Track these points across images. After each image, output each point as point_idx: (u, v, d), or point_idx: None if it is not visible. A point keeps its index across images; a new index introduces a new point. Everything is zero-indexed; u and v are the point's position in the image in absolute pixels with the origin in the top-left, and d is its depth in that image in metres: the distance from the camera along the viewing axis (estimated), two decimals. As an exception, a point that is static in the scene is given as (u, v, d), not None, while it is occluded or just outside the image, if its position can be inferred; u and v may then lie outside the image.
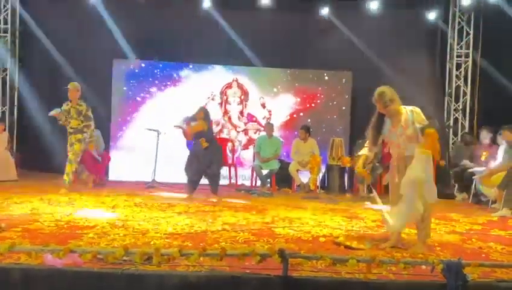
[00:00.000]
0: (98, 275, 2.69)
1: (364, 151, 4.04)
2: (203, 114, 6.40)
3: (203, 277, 2.72)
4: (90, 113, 6.57)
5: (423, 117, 3.72)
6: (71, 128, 6.48)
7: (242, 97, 9.04)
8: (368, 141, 4.01)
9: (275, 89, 9.02)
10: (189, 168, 6.31)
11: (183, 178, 8.37)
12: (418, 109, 3.77)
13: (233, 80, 9.02)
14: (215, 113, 8.73)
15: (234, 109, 9.06)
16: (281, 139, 8.53)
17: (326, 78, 9.07)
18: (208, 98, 8.95)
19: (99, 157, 7.67)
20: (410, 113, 3.72)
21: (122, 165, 8.57)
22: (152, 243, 3.58)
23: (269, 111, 9.05)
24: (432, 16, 9.02)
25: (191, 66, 8.96)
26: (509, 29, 8.06)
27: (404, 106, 3.79)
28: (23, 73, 8.98)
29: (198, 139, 6.26)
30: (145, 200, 5.91)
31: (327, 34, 8.91)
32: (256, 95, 9.05)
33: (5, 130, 8.10)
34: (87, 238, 3.64)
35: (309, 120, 8.82)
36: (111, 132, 8.69)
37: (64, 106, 6.57)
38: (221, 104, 8.98)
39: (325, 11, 8.88)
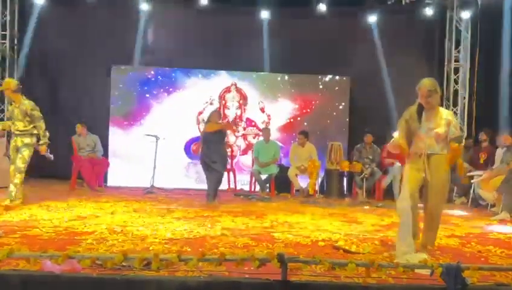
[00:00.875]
0: (96, 280, 2.68)
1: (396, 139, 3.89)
2: (217, 116, 6.75)
3: (202, 282, 2.71)
4: (37, 112, 5.63)
5: (457, 125, 3.75)
6: (17, 130, 5.55)
7: (241, 101, 9.03)
8: (399, 133, 3.82)
9: (274, 94, 9.03)
10: (208, 180, 6.49)
11: (181, 184, 8.48)
12: (453, 114, 3.79)
13: (232, 84, 9.02)
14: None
15: (233, 113, 9.07)
16: (279, 143, 8.54)
17: (325, 83, 9.09)
18: (206, 102, 8.94)
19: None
20: (449, 115, 3.75)
21: (121, 171, 8.56)
22: (151, 248, 3.58)
23: (268, 115, 9.04)
24: (429, 20, 9.05)
25: (189, 72, 8.97)
26: (506, 33, 8.10)
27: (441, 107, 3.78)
28: (21, 79, 8.97)
29: (208, 144, 6.40)
30: (144, 206, 5.90)
31: (325, 40, 8.94)
32: (255, 99, 9.05)
33: (3, 136, 8.08)
34: (86, 244, 3.63)
35: (307, 124, 8.84)
36: (109, 137, 8.68)
37: (10, 109, 5.81)
38: (219, 108, 8.97)
39: (322, 16, 8.89)
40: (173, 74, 8.97)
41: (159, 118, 8.77)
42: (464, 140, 8.91)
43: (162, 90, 8.89)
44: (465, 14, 9.08)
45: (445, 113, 3.75)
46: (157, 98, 8.87)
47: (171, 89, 8.91)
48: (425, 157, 3.69)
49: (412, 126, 3.69)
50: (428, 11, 8.98)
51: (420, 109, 3.71)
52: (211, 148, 6.39)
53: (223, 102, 9.02)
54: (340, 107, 9.01)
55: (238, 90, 9.05)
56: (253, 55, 8.92)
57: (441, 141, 3.68)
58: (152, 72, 8.92)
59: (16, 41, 8.90)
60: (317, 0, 8.71)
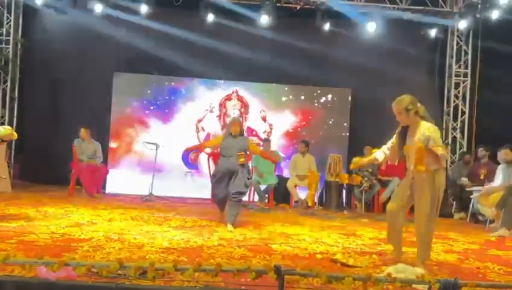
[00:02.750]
0: (92, 288, 2.66)
1: (376, 154, 3.96)
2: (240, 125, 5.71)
3: (198, 292, 2.70)
4: None
5: (438, 138, 3.58)
6: None
7: (242, 110, 8.94)
8: (386, 145, 3.92)
9: (275, 104, 9.04)
10: (218, 185, 5.48)
11: (180, 192, 8.46)
12: (434, 128, 3.62)
13: (233, 92, 8.99)
14: (213, 127, 8.72)
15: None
16: (281, 154, 8.51)
17: (326, 94, 9.11)
18: (206, 110, 8.90)
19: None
20: (428, 130, 3.58)
21: (120, 178, 8.55)
22: (147, 257, 3.56)
23: (270, 125, 9.00)
24: (430, 35, 9.10)
25: (190, 80, 8.99)
26: (507, 49, 8.15)
27: (426, 122, 3.67)
28: (23, 84, 9.02)
29: (228, 156, 5.41)
30: (142, 214, 5.88)
31: (327, 51, 8.98)
32: (256, 108, 9.00)
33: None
34: (82, 251, 3.61)
35: (307, 135, 8.84)
36: (109, 144, 8.69)
37: None
38: (219, 116, 8.94)
39: (325, 28, 8.95)
40: (174, 82, 8.99)
41: (159, 126, 8.77)
42: (447, 151, 8.95)
43: (163, 97, 8.90)
44: (466, 29, 9.13)
45: (424, 129, 3.62)
46: (157, 106, 8.88)
47: (172, 97, 8.93)
48: (412, 172, 3.68)
49: (400, 141, 3.76)
50: (430, 26, 9.02)
51: (403, 130, 3.77)
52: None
53: (224, 110, 8.97)
54: (341, 118, 9.02)
55: (240, 98, 9.00)
56: (255, 65, 8.95)
57: (427, 156, 3.58)
58: (153, 80, 8.95)
59: (19, 46, 8.95)
60: (319, 12, 8.75)
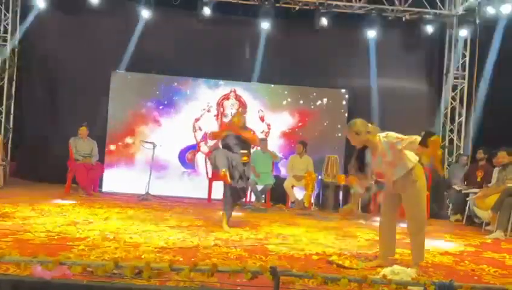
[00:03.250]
0: (87, 288, 2.65)
1: (355, 189, 3.98)
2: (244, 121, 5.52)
3: (193, 292, 2.69)
4: None
5: (397, 135, 3.62)
6: None
7: (240, 109, 8.83)
8: (353, 177, 3.95)
9: (272, 105, 9.03)
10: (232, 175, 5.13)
11: (177, 192, 8.44)
12: (390, 133, 3.66)
13: (231, 91, 8.95)
14: (211, 126, 8.72)
15: (231, 121, 9.02)
16: (278, 154, 8.51)
17: (323, 95, 9.11)
18: (204, 109, 8.86)
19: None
20: (385, 140, 3.62)
21: (117, 177, 8.53)
22: (143, 256, 3.55)
23: (268, 125, 8.98)
24: (428, 38, 9.12)
25: (188, 80, 8.98)
26: (504, 52, 8.18)
27: (379, 134, 3.67)
28: (21, 82, 9.00)
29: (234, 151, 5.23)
30: (138, 213, 5.87)
31: (325, 52, 8.98)
32: (254, 108, 8.97)
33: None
34: (78, 250, 3.60)
35: (304, 136, 8.84)
36: (106, 143, 8.66)
37: None
38: (217, 116, 8.90)
39: (322, 30, 8.93)
40: (172, 82, 8.97)
41: (156, 125, 8.76)
42: (446, 149, 8.98)
43: (160, 97, 8.88)
44: (464, 33, 9.16)
45: (382, 140, 3.63)
46: (155, 105, 8.86)
47: (169, 96, 8.90)
48: (396, 184, 3.72)
49: (360, 165, 3.78)
50: (428, 29, 9.05)
51: (362, 150, 3.78)
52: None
53: (221, 109, 8.92)
54: (338, 119, 9.03)
55: (238, 98, 8.97)
56: (253, 66, 8.95)
57: (398, 163, 3.64)
58: (151, 79, 8.92)
59: (16, 44, 8.92)
60: (318, 14, 8.75)
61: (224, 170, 4.94)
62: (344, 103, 9.07)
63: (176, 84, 8.96)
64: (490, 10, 8.13)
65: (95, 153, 7.95)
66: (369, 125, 3.72)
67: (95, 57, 8.73)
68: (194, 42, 8.85)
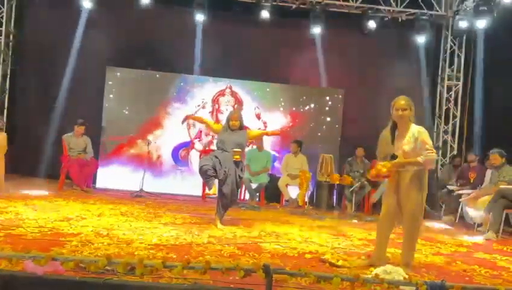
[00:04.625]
0: (79, 284, 2.64)
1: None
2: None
3: (186, 289, 2.69)
4: None
5: (425, 138, 3.65)
6: None
7: (236, 106, 8.80)
8: (379, 151, 3.98)
9: (268, 103, 9.02)
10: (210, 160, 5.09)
11: (171, 189, 8.44)
12: (423, 131, 3.70)
13: (226, 87, 8.89)
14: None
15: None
16: (272, 152, 8.52)
17: (319, 95, 9.13)
18: (198, 105, 8.79)
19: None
20: (416, 131, 3.68)
21: (111, 173, 8.50)
22: (136, 253, 3.54)
23: (264, 122, 8.95)
24: (424, 39, 9.15)
25: (183, 77, 8.95)
26: (499, 54, 8.22)
27: (414, 124, 3.76)
28: (14, 76, 8.94)
29: (223, 151, 5.18)
30: (132, 210, 5.86)
31: (321, 52, 8.99)
32: (250, 105, 8.91)
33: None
34: (71, 246, 3.59)
35: (299, 135, 8.84)
36: (101, 139, 8.63)
37: None
38: (212, 112, 8.85)
39: (319, 29, 8.95)
40: (167, 78, 8.93)
41: (151, 122, 8.72)
42: (435, 153, 9.01)
43: (156, 93, 8.84)
44: (459, 34, 9.19)
45: (414, 130, 3.71)
46: (150, 101, 8.82)
47: (164, 92, 8.87)
48: (399, 175, 3.73)
49: (387, 149, 3.80)
50: (424, 30, 9.07)
51: (393, 128, 3.82)
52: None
53: (216, 106, 8.86)
54: (333, 119, 9.04)
55: (233, 94, 8.91)
56: (248, 63, 8.94)
57: (410, 157, 3.67)
58: (146, 75, 8.88)
59: (11, 38, 8.86)
60: (314, 12, 8.76)
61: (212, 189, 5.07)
62: (340, 102, 9.08)
63: (170, 80, 8.92)
64: (486, 11, 8.16)
65: (90, 150, 7.92)
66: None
67: (90, 52, 8.68)
68: (188, 38, 8.79)
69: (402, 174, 3.73)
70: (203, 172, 5.03)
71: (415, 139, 3.66)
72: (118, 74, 8.80)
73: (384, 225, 3.89)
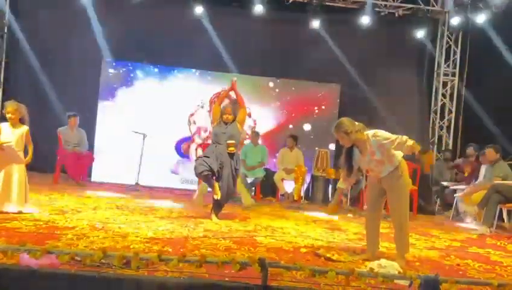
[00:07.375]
0: (74, 277, 2.64)
1: (340, 184, 4.08)
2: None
3: (181, 283, 2.70)
4: None
5: (387, 135, 3.67)
6: None
7: (231, 101, 8.95)
8: (342, 173, 4.03)
9: (262, 99, 9.01)
10: (206, 159, 5.12)
11: (166, 183, 8.44)
12: (379, 132, 3.71)
13: (222, 89, 8.94)
14: (204, 121, 8.75)
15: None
16: (265, 160, 8.53)
17: (315, 89, 9.12)
18: (198, 105, 8.93)
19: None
20: (374, 139, 3.67)
21: (106, 166, 8.48)
22: (131, 247, 3.54)
23: (254, 121, 9.02)
24: (420, 34, 9.16)
25: (180, 71, 8.93)
26: (495, 50, 8.25)
27: (367, 132, 3.73)
28: (9, 69, 8.87)
29: (218, 144, 5.22)
30: (127, 203, 5.85)
31: (317, 46, 8.98)
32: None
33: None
34: (66, 240, 3.59)
35: (295, 130, 8.84)
36: (96, 132, 8.60)
37: None
38: (210, 111, 8.90)
39: (316, 23, 8.94)
40: (163, 72, 8.91)
41: (147, 115, 8.70)
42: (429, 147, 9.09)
43: (151, 87, 8.82)
44: (456, 29, 9.20)
45: (371, 139, 3.68)
46: (146, 95, 8.79)
47: (160, 87, 8.84)
48: (383, 181, 3.78)
49: (351, 162, 3.82)
50: (420, 25, 9.07)
51: (350, 149, 3.82)
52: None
53: (213, 106, 8.96)
54: (329, 114, 9.02)
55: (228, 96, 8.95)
56: (242, 57, 8.91)
57: (386, 161, 3.70)
58: (143, 69, 8.85)
59: (5, 30, 8.79)
60: (311, 6, 8.75)
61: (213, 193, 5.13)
62: (336, 97, 9.08)
63: (167, 74, 8.89)
64: (482, 6, 8.17)
65: (85, 143, 7.89)
66: (356, 123, 3.75)
67: (86, 45, 8.63)
68: (184, 33, 8.74)
69: (385, 178, 3.74)
70: (200, 175, 5.10)
71: (377, 146, 3.66)
72: (114, 66, 8.75)
73: (371, 218, 3.93)
